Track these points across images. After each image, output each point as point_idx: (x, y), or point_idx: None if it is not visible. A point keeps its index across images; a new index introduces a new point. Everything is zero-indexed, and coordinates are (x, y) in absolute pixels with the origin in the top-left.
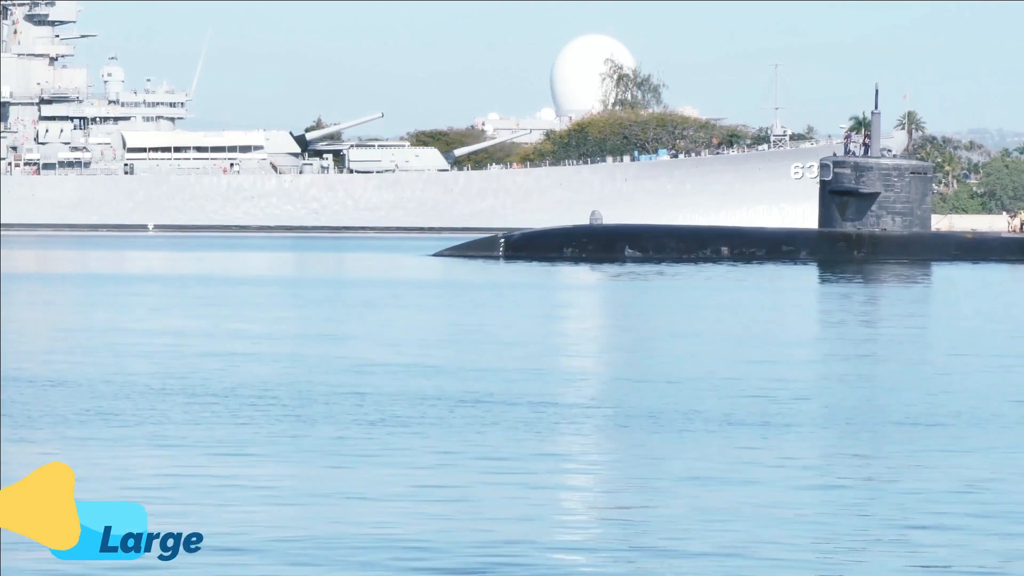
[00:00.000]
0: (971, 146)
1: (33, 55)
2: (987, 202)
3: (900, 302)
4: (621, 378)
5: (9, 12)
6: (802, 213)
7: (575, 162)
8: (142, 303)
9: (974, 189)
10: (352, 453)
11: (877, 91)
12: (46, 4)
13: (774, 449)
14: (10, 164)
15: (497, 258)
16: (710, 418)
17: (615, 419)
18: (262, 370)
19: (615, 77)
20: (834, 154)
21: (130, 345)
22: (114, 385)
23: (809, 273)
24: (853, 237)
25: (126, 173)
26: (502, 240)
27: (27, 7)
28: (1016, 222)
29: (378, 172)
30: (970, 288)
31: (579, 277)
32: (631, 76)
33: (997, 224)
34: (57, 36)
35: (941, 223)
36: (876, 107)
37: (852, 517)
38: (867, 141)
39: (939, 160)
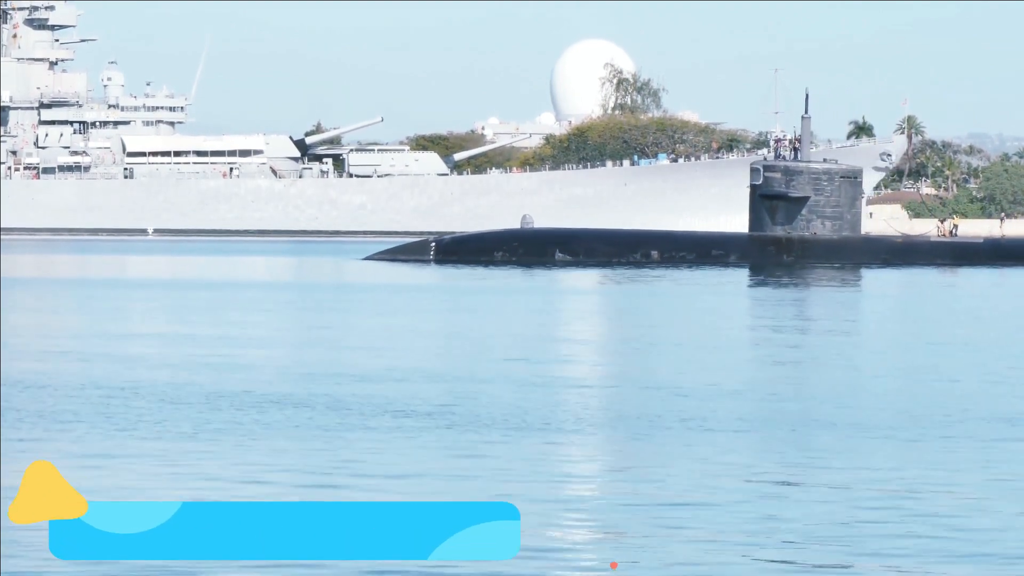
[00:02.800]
0: (971, 150)
1: (33, 59)
2: (987, 206)
3: (826, 306)
4: (562, 384)
5: (9, 16)
6: None
7: (575, 166)
8: (136, 307)
9: (974, 193)
10: (343, 457)
11: (807, 96)
12: (46, 8)
13: (712, 451)
14: (10, 168)
15: (428, 262)
16: (652, 421)
17: (555, 424)
18: (250, 375)
19: (615, 81)
20: (764, 158)
21: (124, 349)
22: (109, 388)
23: (738, 277)
24: (783, 241)
25: (126, 177)
26: (433, 244)
27: (27, 11)
28: (946, 227)
29: (378, 176)
30: (898, 291)
31: (508, 281)
32: (631, 80)
33: (996, 229)
34: (57, 40)
35: (941, 227)
36: (806, 112)
37: (794, 522)
38: (797, 145)
39: (939, 164)
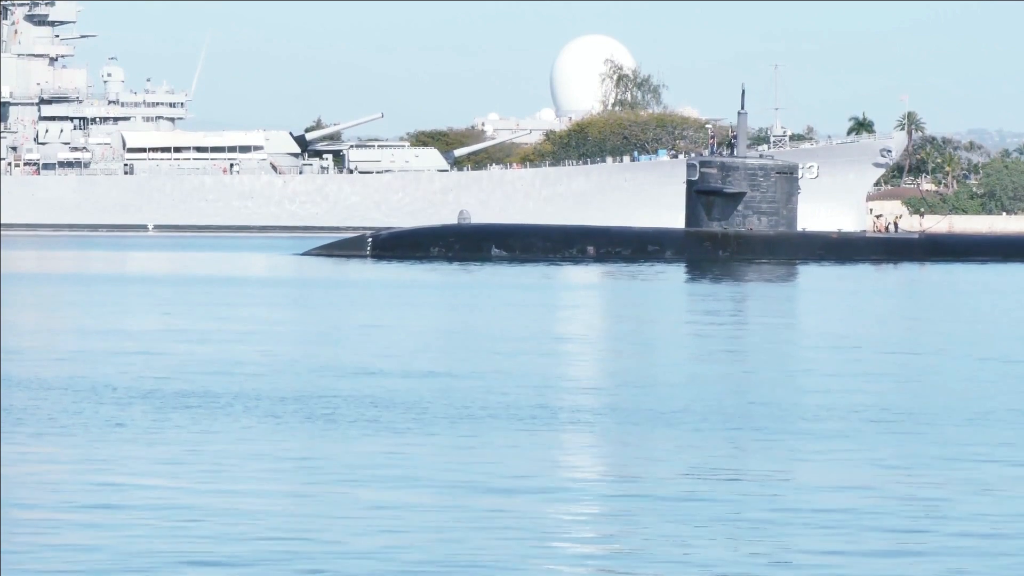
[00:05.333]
0: (971, 147)
1: (33, 55)
2: (987, 202)
3: (760, 302)
4: (491, 378)
5: (9, 12)
6: (801, 213)
7: (575, 162)
8: (131, 304)
9: (974, 190)
10: (330, 454)
11: (744, 92)
12: (46, 4)
13: (652, 444)
14: (10, 164)
15: (365, 257)
16: (584, 415)
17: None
18: (234, 373)
19: (615, 77)
20: (700, 153)
21: (115, 347)
22: (106, 386)
23: (674, 273)
24: (719, 236)
25: (126, 173)
26: (370, 239)
27: (27, 7)
28: (882, 222)
29: (378, 172)
30: (830, 286)
31: (439, 276)
32: (631, 76)
33: (997, 225)
34: (57, 36)
35: (941, 224)
36: (743, 107)
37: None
38: (734, 140)
39: (939, 160)
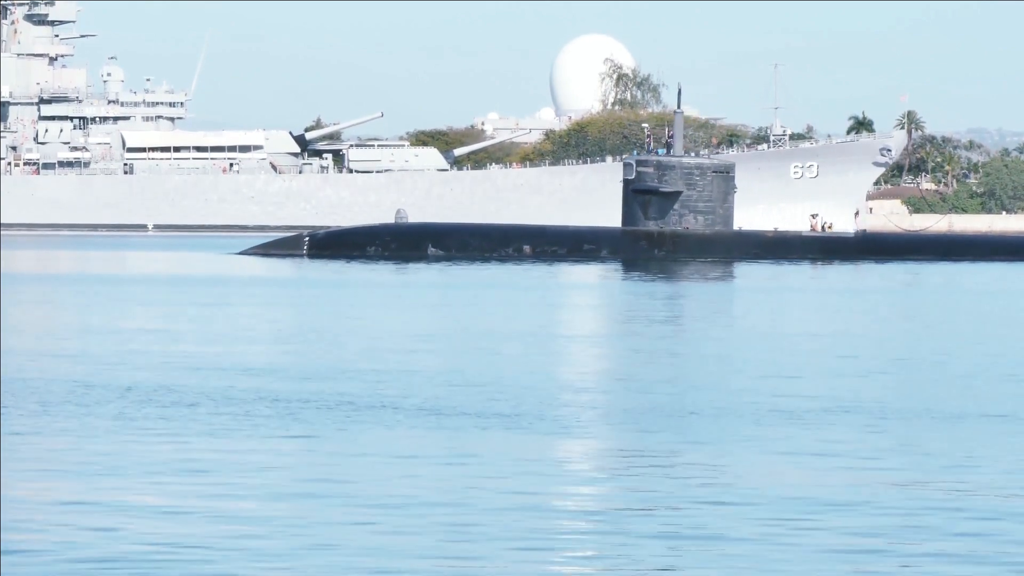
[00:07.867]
0: (971, 146)
1: (33, 55)
2: (986, 202)
3: (696, 301)
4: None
5: (9, 12)
6: (801, 212)
7: (575, 162)
8: (126, 305)
9: (973, 189)
10: (322, 458)
11: (680, 91)
12: (46, 4)
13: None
14: (10, 164)
15: (301, 256)
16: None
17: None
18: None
19: (614, 77)
20: (636, 152)
21: (109, 347)
22: (103, 386)
23: (610, 271)
24: (655, 235)
25: (126, 173)
26: (307, 238)
27: (27, 7)
28: (817, 222)
29: (378, 172)
30: (763, 284)
31: (379, 276)
32: (630, 76)
33: (997, 224)
34: (57, 36)
35: (941, 223)
36: (679, 107)
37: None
38: (670, 140)
39: (939, 159)
